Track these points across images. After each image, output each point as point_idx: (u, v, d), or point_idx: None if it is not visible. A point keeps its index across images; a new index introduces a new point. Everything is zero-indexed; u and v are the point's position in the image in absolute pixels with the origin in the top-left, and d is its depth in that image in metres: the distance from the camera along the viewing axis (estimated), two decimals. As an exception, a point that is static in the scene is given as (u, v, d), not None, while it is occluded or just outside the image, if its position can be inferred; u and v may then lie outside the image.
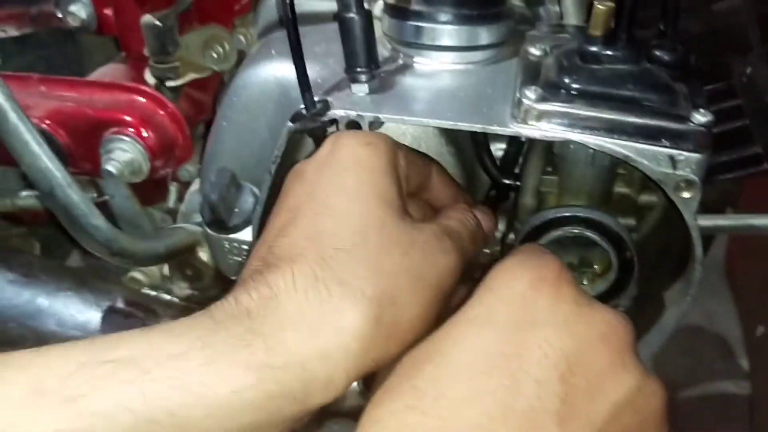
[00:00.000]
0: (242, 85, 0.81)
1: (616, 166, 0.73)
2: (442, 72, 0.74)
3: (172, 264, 0.99)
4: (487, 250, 0.78)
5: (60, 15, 1.01)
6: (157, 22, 0.90)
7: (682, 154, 0.63)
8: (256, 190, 0.85)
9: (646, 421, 0.52)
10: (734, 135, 0.77)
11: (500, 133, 0.66)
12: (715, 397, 1.84)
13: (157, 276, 1.04)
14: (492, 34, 0.74)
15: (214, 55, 0.96)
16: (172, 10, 0.90)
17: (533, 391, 0.47)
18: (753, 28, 0.76)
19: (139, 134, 0.92)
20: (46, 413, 0.44)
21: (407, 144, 0.79)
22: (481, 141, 0.78)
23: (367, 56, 0.69)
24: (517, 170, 0.82)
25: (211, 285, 1.00)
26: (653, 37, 0.71)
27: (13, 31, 1.06)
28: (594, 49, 0.67)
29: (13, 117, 0.69)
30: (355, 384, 0.55)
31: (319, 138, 0.72)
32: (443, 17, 0.72)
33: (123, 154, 0.91)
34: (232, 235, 0.83)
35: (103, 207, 1.01)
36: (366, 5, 0.85)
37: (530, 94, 0.64)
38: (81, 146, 0.94)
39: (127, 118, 0.92)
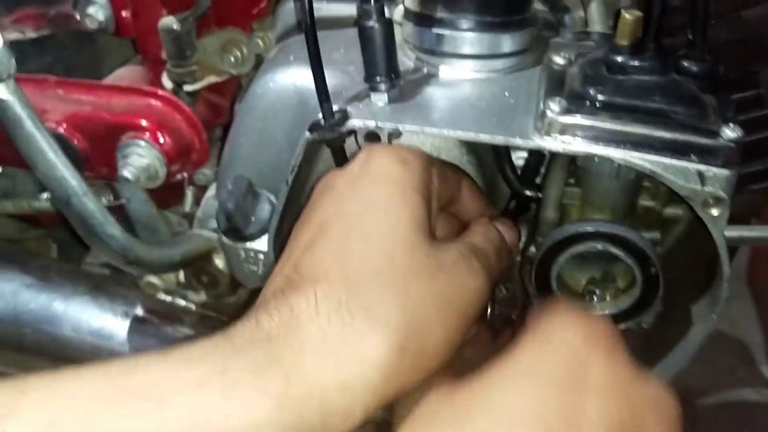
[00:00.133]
0: (259, 91, 0.80)
1: (641, 179, 0.71)
2: (463, 81, 0.72)
3: (188, 271, 0.98)
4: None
5: (78, 17, 1.00)
6: (175, 26, 0.89)
7: (711, 170, 0.61)
8: (273, 198, 0.84)
9: None
10: (763, 145, 0.75)
11: (523, 146, 0.64)
12: (735, 404, 1.81)
13: (173, 281, 1.03)
14: (515, 41, 0.72)
15: (232, 59, 0.95)
16: (190, 14, 0.89)
17: None
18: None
19: (155, 139, 0.91)
20: None
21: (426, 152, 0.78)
22: (502, 151, 0.77)
23: (387, 65, 0.67)
24: (538, 180, 0.80)
25: (227, 292, 0.99)
26: (681, 46, 0.69)
27: (31, 33, 1.05)
28: (620, 59, 0.65)
29: (29, 125, 0.68)
30: None
31: (338, 148, 0.71)
32: (465, 25, 0.71)
33: (139, 159, 0.90)
34: (248, 244, 0.82)
35: (120, 210, 1.01)
36: (386, 10, 0.85)
37: (554, 106, 0.62)
38: (97, 150, 0.94)
39: (144, 123, 0.91)
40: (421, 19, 0.72)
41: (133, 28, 0.97)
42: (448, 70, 0.73)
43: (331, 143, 0.69)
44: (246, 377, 0.46)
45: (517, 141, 0.63)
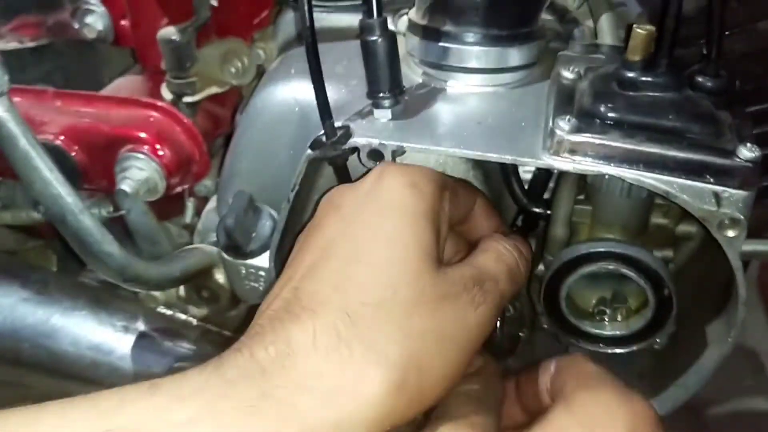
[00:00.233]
0: (260, 105, 0.78)
1: (653, 196, 0.69)
2: (469, 95, 0.70)
3: (188, 286, 0.97)
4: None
5: (76, 26, 0.98)
6: (174, 36, 0.87)
7: (727, 191, 0.59)
8: (274, 213, 0.82)
9: None
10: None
11: (531, 165, 0.62)
12: (745, 414, 1.79)
13: (174, 294, 1.01)
14: (522, 55, 0.70)
15: (233, 70, 0.93)
16: (190, 24, 0.87)
17: None
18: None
19: (154, 152, 0.89)
20: None
21: (431, 168, 0.76)
22: (509, 167, 0.74)
23: (390, 81, 0.65)
24: (546, 196, 0.78)
25: (228, 306, 0.97)
26: (694, 59, 0.67)
27: (29, 42, 1.04)
28: (632, 74, 0.63)
29: (23, 143, 0.66)
30: None
31: (340, 166, 0.69)
32: (471, 38, 0.69)
33: (138, 172, 0.88)
34: (248, 261, 0.81)
35: (119, 221, 0.99)
36: (390, 21, 0.82)
37: (564, 124, 0.60)
38: (96, 163, 0.92)
39: (143, 135, 0.89)
40: (427, 32, 0.70)
41: (132, 38, 0.96)
42: (453, 85, 0.71)
43: (333, 161, 0.67)
44: (238, 418, 0.44)
45: (526, 160, 0.61)
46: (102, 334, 0.98)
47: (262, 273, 0.81)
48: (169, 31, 0.86)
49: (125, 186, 0.87)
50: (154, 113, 0.91)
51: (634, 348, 0.71)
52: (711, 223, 0.60)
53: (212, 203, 0.97)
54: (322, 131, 0.65)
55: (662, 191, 0.59)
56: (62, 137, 0.91)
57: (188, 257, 0.90)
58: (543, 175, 0.77)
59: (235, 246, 0.79)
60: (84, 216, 0.72)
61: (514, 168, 0.75)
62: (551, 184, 0.77)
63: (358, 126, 0.66)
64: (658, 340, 0.71)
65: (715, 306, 0.73)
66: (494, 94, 0.70)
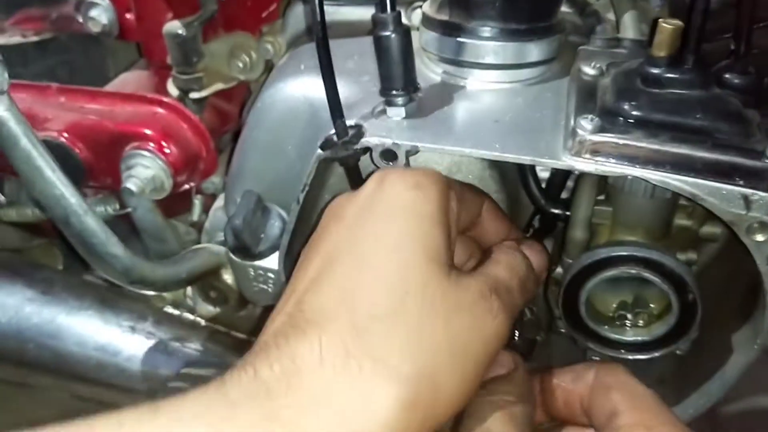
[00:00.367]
0: (269, 102, 0.76)
1: (677, 197, 0.66)
2: (486, 92, 0.68)
3: (196, 286, 0.95)
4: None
5: (80, 20, 0.96)
6: (180, 31, 0.84)
7: (756, 194, 0.56)
8: (283, 213, 0.80)
9: None
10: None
11: (551, 166, 0.60)
12: (757, 412, 1.76)
13: (181, 294, 0.99)
14: (541, 50, 0.67)
15: (240, 65, 0.90)
16: (196, 18, 0.85)
17: None
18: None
19: (160, 149, 0.87)
20: None
21: (446, 167, 0.73)
22: (527, 167, 0.72)
23: (404, 78, 0.63)
24: (564, 195, 0.75)
25: (237, 307, 0.95)
26: (720, 54, 0.64)
27: (32, 36, 1.02)
28: (657, 71, 0.60)
29: (24, 142, 0.64)
30: None
31: (352, 166, 0.66)
32: (488, 32, 0.66)
33: (144, 170, 0.86)
34: (257, 263, 0.78)
35: (126, 218, 0.97)
36: (403, 14, 0.80)
37: (586, 124, 0.57)
38: (101, 160, 0.90)
39: (149, 132, 0.87)
40: (442, 26, 0.68)
41: (137, 32, 0.93)
42: (470, 81, 0.68)
43: (344, 161, 0.65)
44: None
45: (546, 161, 0.59)
46: (108, 335, 0.97)
47: (271, 275, 0.79)
48: (174, 25, 0.84)
49: (131, 184, 0.84)
50: (160, 109, 0.89)
51: (656, 354, 0.69)
52: (739, 226, 0.57)
53: (220, 201, 0.95)
54: (333, 130, 0.63)
55: (689, 194, 0.57)
56: (66, 134, 0.89)
57: (195, 258, 0.88)
58: (561, 173, 0.75)
59: (244, 247, 0.77)
60: (88, 217, 0.70)
61: (531, 167, 0.73)
62: (570, 183, 0.75)
63: (370, 125, 0.63)
64: (681, 346, 0.69)
65: (738, 309, 0.71)
66: (512, 91, 0.67)
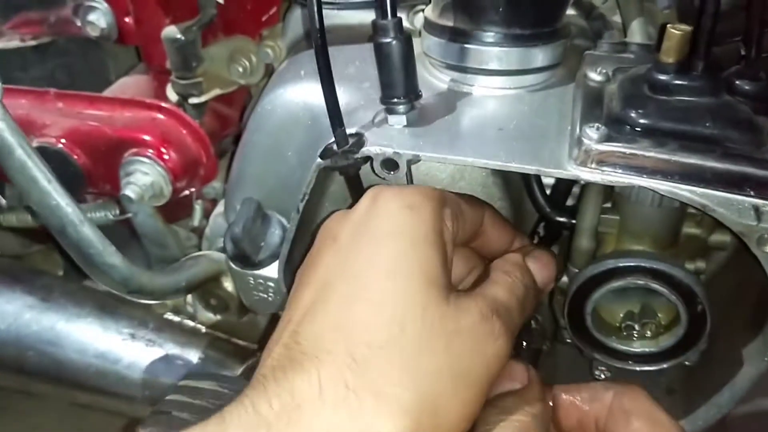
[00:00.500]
0: (269, 108, 0.74)
1: (685, 206, 0.64)
2: (489, 99, 0.66)
3: (196, 293, 0.93)
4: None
5: (79, 24, 0.95)
6: (179, 35, 0.83)
7: (768, 205, 0.54)
8: (284, 220, 0.79)
9: None
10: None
11: (556, 176, 0.58)
12: (765, 414, 1.74)
13: (182, 300, 0.98)
14: (546, 55, 0.66)
15: (240, 69, 0.89)
16: (195, 22, 0.84)
17: None
18: None
19: (160, 155, 0.85)
20: None
21: (449, 175, 0.72)
22: (532, 174, 0.70)
23: (405, 85, 0.61)
24: (569, 201, 0.73)
25: (237, 315, 0.94)
26: (729, 58, 0.62)
27: (31, 40, 1.01)
28: (665, 77, 0.58)
29: (19, 153, 0.63)
30: None
31: (352, 176, 0.65)
32: (492, 37, 0.64)
33: (143, 177, 0.85)
34: (257, 272, 0.77)
35: (126, 224, 0.96)
36: (405, 18, 0.78)
37: (592, 133, 0.56)
38: (99, 167, 0.89)
39: (148, 138, 0.86)
40: (444, 31, 0.66)
41: (136, 36, 0.92)
42: (473, 88, 0.67)
43: (345, 170, 0.64)
44: None
45: (551, 171, 0.57)
46: (108, 342, 0.96)
47: (271, 284, 0.77)
48: (173, 30, 0.83)
49: (129, 191, 0.83)
50: (159, 115, 0.87)
51: (664, 366, 0.67)
52: (750, 237, 0.56)
53: (220, 207, 0.94)
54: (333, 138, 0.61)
55: (698, 204, 0.55)
56: (64, 140, 0.88)
57: (195, 265, 0.86)
58: (566, 180, 0.73)
59: (243, 256, 0.76)
60: (84, 227, 0.68)
61: (536, 175, 0.71)
62: (575, 189, 0.73)
63: (371, 133, 0.62)
64: (689, 358, 0.67)
65: (748, 321, 0.69)
66: (516, 98, 0.66)
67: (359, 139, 0.61)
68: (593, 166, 0.56)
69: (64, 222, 0.68)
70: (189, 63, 0.84)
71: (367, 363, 0.45)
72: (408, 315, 0.47)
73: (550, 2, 0.66)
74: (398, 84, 0.61)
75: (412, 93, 0.62)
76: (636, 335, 0.67)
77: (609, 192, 0.67)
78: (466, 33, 0.65)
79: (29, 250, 1.12)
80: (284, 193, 0.77)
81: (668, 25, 0.56)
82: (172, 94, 0.89)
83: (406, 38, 0.60)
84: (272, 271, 0.77)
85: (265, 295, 0.79)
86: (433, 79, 0.69)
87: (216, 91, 0.89)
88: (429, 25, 0.68)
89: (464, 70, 0.66)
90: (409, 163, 0.61)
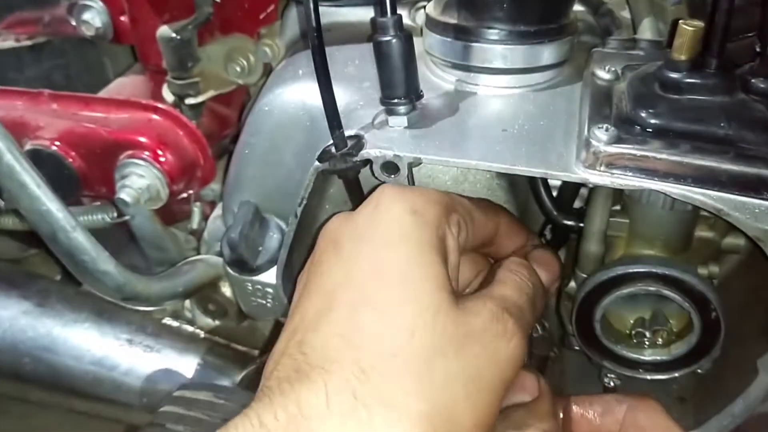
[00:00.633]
0: (266, 109, 0.72)
1: (698, 209, 0.62)
2: (493, 98, 0.64)
3: (194, 298, 0.91)
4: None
5: (74, 23, 0.93)
6: (174, 34, 0.81)
7: (786, 209, 0.52)
8: (282, 224, 0.77)
9: None
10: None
11: (564, 179, 0.56)
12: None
13: (180, 304, 0.96)
14: (552, 53, 0.63)
15: (238, 69, 0.87)
16: (190, 21, 0.81)
17: None
18: None
19: (156, 158, 0.83)
20: None
21: (452, 177, 0.70)
22: (538, 177, 0.68)
23: (406, 85, 0.59)
24: (576, 204, 0.71)
25: (237, 320, 0.92)
26: (743, 54, 0.60)
27: (25, 40, 0.99)
28: (677, 75, 0.56)
29: (8, 158, 0.61)
30: None
31: (351, 180, 0.63)
32: (496, 35, 0.62)
33: (139, 179, 0.83)
34: (255, 278, 0.75)
35: (124, 226, 0.94)
36: (406, 15, 0.76)
37: (600, 134, 0.54)
38: (95, 169, 0.87)
39: (143, 140, 0.84)
40: (446, 28, 0.64)
41: (132, 35, 0.90)
42: (476, 87, 0.64)
43: (343, 174, 0.61)
44: None
45: (558, 174, 0.55)
46: (105, 348, 0.94)
47: (269, 290, 0.75)
48: (168, 29, 0.80)
49: (125, 195, 0.81)
50: (155, 116, 0.85)
51: (676, 375, 0.65)
52: (766, 242, 0.53)
53: (219, 210, 0.92)
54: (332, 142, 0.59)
55: (712, 209, 0.53)
56: (59, 143, 0.86)
57: (192, 270, 0.84)
58: (573, 182, 0.71)
59: (241, 261, 0.74)
60: (77, 233, 0.66)
61: (543, 178, 0.68)
62: (583, 191, 0.71)
63: (371, 135, 0.60)
64: (702, 366, 0.65)
65: (762, 325, 0.67)
66: (521, 97, 0.63)
67: (358, 142, 0.59)
68: (602, 168, 0.54)
69: (54, 228, 0.66)
70: (185, 63, 0.82)
71: (376, 372, 0.43)
72: (417, 321, 0.45)
73: (557, -3, 0.63)
74: (399, 84, 0.59)
75: (413, 93, 0.59)
76: (647, 343, 0.65)
77: (618, 194, 0.65)
78: (469, 30, 0.62)
79: (27, 254, 1.10)
80: (283, 196, 0.75)
81: (680, 21, 0.54)
82: (168, 95, 0.87)
83: (406, 36, 0.57)
84: (271, 276, 0.75)
85: (264, 301, 0.77)
86: (436, 78, 0.67)
87: (213, 92, 0.86)
88: (431, 23, 0.66)
89: (468, 68, 0.64)
90: (410, 166, 0.58)
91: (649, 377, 0.66)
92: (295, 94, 0.70)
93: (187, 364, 0.92)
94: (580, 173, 0.55)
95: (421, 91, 0.61)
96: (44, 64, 1.06)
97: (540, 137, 0.59)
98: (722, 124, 0.53)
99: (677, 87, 0.56)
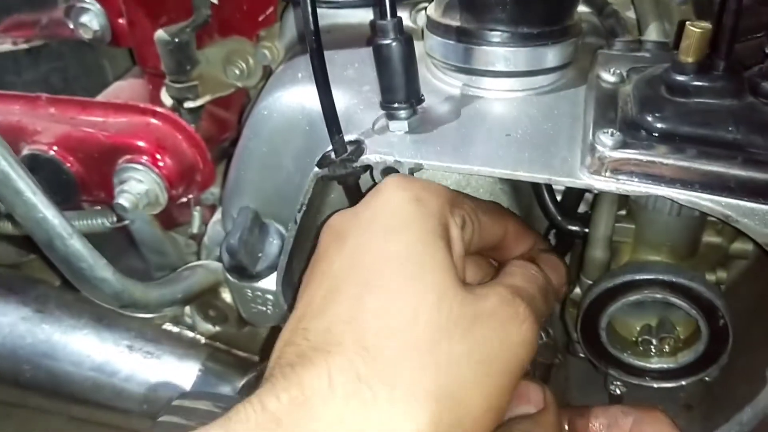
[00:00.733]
0: (265, 113, 0.71)
1: (706, 214, 0.61)
2: (496, 102, 0.63)
3: (194, 304, 0.90)
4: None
5: (71, 26, 0.92)
6: (172, 37, 0.80)
7: (797, 215, 0.51)
8: (282, 229, 0.76)
9: None
10: None
11: (568, 185, 0.54)
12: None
13: (180, 310, 0.95)
14: (556, 55, 0.62)
15: (237, 71, 0.85)
16: (188, 24, 0.80)
17: None
18: None
19: (154, 162, 0.82)
20: None
21: (454, 182, 0.68)
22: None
23: (407, 89, 0.58)
24: (580, 209, 0.70)
25: (237, 325, 0.91)
26: (751, 56, 0.58)
27: (22, 43, 0.98)
28: (684, 78, 0.55)
29: (3, 165, 0.60)
30: None
31: (351, 185, 0.62)
32: (498, 37, 0.61)
33: (137, 184, 0.82)
34: (255, 284, 0.74)
35: (124, 230, 0.93)
36: (407, 17, 0.75)
37: (605, 139, 0.52)
38: (93, 174, 0.86)
39: (142, 145, 0.82)
40: (448, 31, 0.62)
41: (130, 38, 0.89)
42: (478, 90, 0.63)
43: (343, 180, 0.60)
44: None
45: (562, 180, 0.54)
46: (105, 354, 0.93)
47: (269, 296, 0.74)
48: (166, 32, 0.79)
49: (123, 200, 0.80)
50: (154, 120, 0.84)
51: (683, 383, 0.64)
52: (777, 250, 0.52)
53: (219, 214, 0.91)
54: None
55: (720, 215, 0.52)
56: (56, 147, 0.85)
57: (191, 277, 0.83)
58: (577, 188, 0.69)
59: (240, 267, 0.73)
60: (73, 240, 0.65)
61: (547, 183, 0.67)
62: (588, 195, 0.70)
63: (371, 141, 0.59)
64: (710, 374, 0.63)
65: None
66: (524, 101, 0.62)
67: (358, 147, 0.58)
68: (607, 174, 0.53)
69: (51, 235, 0.64)
70: (183, 66, 0.81)
71: (379, 351, 0.42)
72: (422, 301, 0.44)
73: (561, -2, 0.62)
74: (399, 88, 0.58)
75: (413, 97, 0.58)
76: (654, 350, 0.64)
77: (624, 199, 0.64)
78: (471, 32, 0.61)
79: (25, 259, 1.09)
80: (282, 201, 0.74)
81: (687, 23, 0.53)
82: (167, 98, 0.86)
83: (406, 39, 0.56)
84: (271, 283, 0.73)
85: (264, 308, 0.76)
86: (437, 81, 0.65)
87: (212, 95, 0.85)
88: (432, 25, 0.64)
89: (469, 71, 0.63)
90: (411, 171, 0.57)
91: (655, 385, 0.65)
92: (294, 98, 0.69)
93: (187, 371, 0.91)
94: (585, 179, 0.53)
95: (422, 95, 0.59)
96: (42, 68, 1.05)
97: (543, 142, 0.57)
98: (730, 128, 0.52)
99: (684, 90, 0.54)
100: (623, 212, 0.65)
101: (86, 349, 0.92)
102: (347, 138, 0.59)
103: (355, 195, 0.62)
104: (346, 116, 0.61)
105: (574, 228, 0.67)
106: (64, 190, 0.86)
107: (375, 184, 0.58)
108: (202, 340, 0.95)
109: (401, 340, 0.43)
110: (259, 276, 0.73)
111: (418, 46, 0.61)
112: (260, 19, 0.83)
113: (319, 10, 0.54)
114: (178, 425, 0.66)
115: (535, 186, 0.67)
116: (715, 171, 0.51)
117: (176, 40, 0.79)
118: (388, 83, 0.58)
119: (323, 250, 0.51)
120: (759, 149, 0.51)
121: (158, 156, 0.83)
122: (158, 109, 0.84)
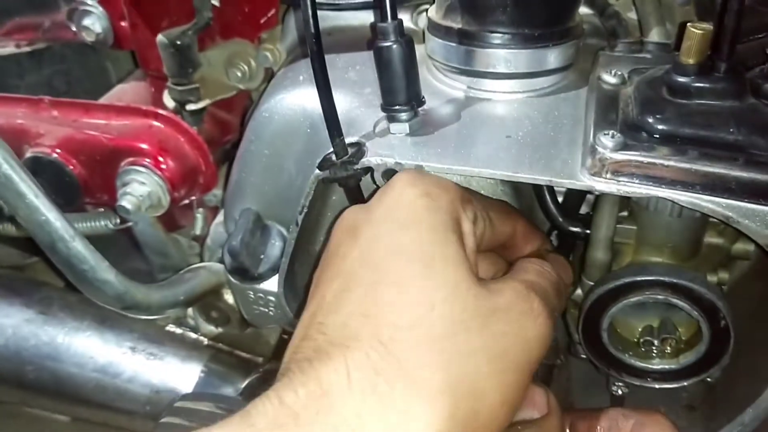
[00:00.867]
0: (267, 115, 0.71)
1: (707, 216, 0.61)
2: (497, 104, 0.63)
3: (197, 306, 0.91)
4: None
5: (74, 29, 0.92)
6: (174, 40, 0.80)
7: (798, 217, 0.51)
8: (284, 231, 0.76)
9: None
10: None
11: (569, 187, 0.55)
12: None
13: (183, 312, 0.95)
14: (557, 56, 0.62)
15: (239, 74, 0.86)
16: (190, 27, 0.80)
17: None
18: None
19: (157, 164, 0.82)
20: None
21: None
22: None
23: (407, 91, 0.58)
24: (582, 210, 0.70)
25: (240, 327, 0.91)
26: (753, 57, 0.58)
27: (25, 46, 0.98)
28: (685, 80, 0.55)
29: (5, 168, 0.60)
30: None
31: (352, 188, 0.62)
32: (498, 39, 0.61)
33: (140, 187, 0.82)
34: (257, 285, 0.74)
35: (127, 232, 0.93)
36: (409, 20, 0.75)
37: (606, 141, 0.52)
38: (96, 176, 0.86)
39: (144, 147, 0.83)
40: (449, 33, 0.63)
41: (132, 41, 0.89)
42: (479, 92, 0.63)
43: (344, 182, 0.60)
44: None
45: (563, 182, 0.54)
46: (108, 355, 0.93)
47: (271, 298, 0.74)
48: (167, 35, 0.79)
49: (126, 202, 0.80)
50: (156, 122, 0.84)
51: (685, 384, 0.64)
52: (778, 251, 0.52)
53: (221, 216, 0.91)
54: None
55: (722, 216, 0.52)
56: (59, 150, 0.85)
57: (193, 278, 0.84)
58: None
59: (242, 269, 0.73)
60: (76, 242, 0.66)
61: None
62: (589, 196, 0.70)
63: (372, 143, 0.59)
64: (712, 374, 0.63)
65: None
66: (525, 102, 0.62)
67: (359, 149, 0.58)
68: (608, 176, 0.53)
69: (54, 238, 0.65)
70: (185, 68, 0.81)
71: (396, 345, 0.42)
72: (437, 295, 0.44)
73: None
74: (400, 90, 0.58)
75: (414, 99, 0.58)
76: (655, 351, 0.64)
77: (625, 200, 0.64)
78: (472, 34, 0.61)
79: (29, 261, 1.10)
80: (284, 202, 0.74)
81: (688, 24, 0.53)
82: (169, 101, 0.86)
83: (407, 41, 0.56)
84: (272, 284, 0.74)
85: (266, 309, 0.76)
86: (438, 83, 0.65)
87: (214, 97, 0.86)
88: (433, 27, 0.64)
89: (470, 73, 0.63)
90: (413, 173, 0.57)
91: (657, 386, 0.65)
92: (296, 101, 0.69)
93: (190, 372, 0.92)
94: (586, 180, 0.54)
95: (423, 97, 0.60)
96: (45, 70, 1.05)
97: (544, 143, 0.58)
98: (732, 130, 0.52)
99: (685, 91, 0.55)
100: (625, 213, 0.65)
101: (89, 350, 0.93)
102: (348, 140, 0.59)
103: (356, 197, 0.62)
104: (348, 119, 0.62)
105: (575, 229, 0.67)
106: (67, 193, 0.87)
107: (377, 187, 0.59)
108: (205, 341, 0.95)
109: (417, 334, 0.43)
110: (260, 278, 0.74)
111: (419, 48, 0.61)
112: (262, 21, 0.84)
113: (320, 13, 0.54)
114: (180, 426, 0.66)
115: (537, 187, 0.67)
116: (716, 172, 0.51)
117: (178, 42, 0.80)
118: (388, 85, 0.58)
119: (336, 245, 0.52)
120: (760, 150, 0.51)
121: (161, 158, 0.83)
122: (161, 111, 0.84)
